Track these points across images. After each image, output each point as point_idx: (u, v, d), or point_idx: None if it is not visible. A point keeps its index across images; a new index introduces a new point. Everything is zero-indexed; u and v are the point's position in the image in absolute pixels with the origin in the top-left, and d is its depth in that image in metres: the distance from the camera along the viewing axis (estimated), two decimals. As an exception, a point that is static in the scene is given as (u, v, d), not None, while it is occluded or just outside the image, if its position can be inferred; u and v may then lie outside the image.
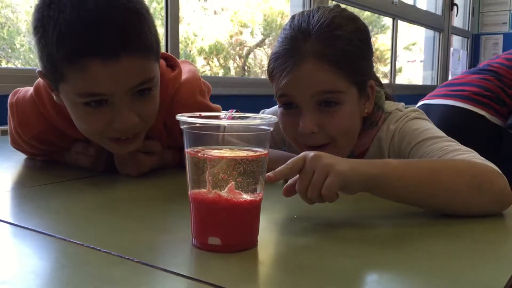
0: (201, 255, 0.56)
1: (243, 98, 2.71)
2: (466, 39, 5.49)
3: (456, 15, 5.14)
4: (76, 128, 0.94)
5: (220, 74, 3.61)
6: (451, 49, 5.14)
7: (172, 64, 1.07)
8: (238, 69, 3.79)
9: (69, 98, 0.88)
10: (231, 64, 3.74)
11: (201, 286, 0.48)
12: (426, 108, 2.13)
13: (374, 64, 0.99)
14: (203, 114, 0.58)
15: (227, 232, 0.56)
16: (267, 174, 0.62)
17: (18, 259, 0.56)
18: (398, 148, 0.95)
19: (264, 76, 3.45)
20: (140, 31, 0.85)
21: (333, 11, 0.92)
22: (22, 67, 2.48)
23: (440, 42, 4.95)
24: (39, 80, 1.00)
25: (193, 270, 0.54)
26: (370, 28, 2.01)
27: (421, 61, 5.19)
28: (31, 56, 2.48)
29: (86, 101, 0.86)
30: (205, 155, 0.55)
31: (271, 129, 0.58)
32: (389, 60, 4.27)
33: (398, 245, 0.62)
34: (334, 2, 3.43)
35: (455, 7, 5.05)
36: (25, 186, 0.93)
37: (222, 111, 1.13)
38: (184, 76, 1.05)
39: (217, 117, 0.61)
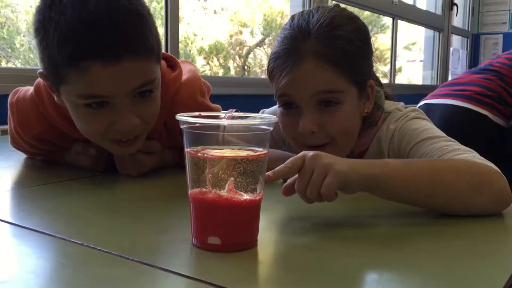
0: (201, 255, 0.56)
1: (243, 98, 2.71)
2: (466, 38, 5.49)
3: (456, 15, 5.14)
4: (77, 129, 0.94)
5: (220, 74, 3.61)
6: (451, 48, 5.14)
7: (173, 64, 1.07)
8: (238, 69, 3.79)
9: (70, 99, 0.88)
10: (231, 63, 3.74)
11: (201, 286, 0.48)
12: (428, 108, 2.13)
13: (374, 64, 1.00)
14: (203, 113, 0.58)
15: (227, 232, 0.56)
16: (266, 173, 0.62)
17: (17, 258, 0.56)
18: (397, 147, 0.95)
19: (264, 76, 3.45)
20: (141, 33, 0.85)
21: (332, 11, 0.92)
22: (22, 66, 2.49)
23: (440, 42, 4.95)
24: (39, 80, 1.00)
25: (193, 269, 0.54)
26: (370, 27, 2.00)
27: (421, 61, 5.19)
28: (31, 55, 2.48)
29: (87, 103, 0.86)
30: (205, 154, 0.55)
31: (271, 128, 0.58)
32: (389, 60, 4.27)
33: (398, 245, 0.62)
34: (333, 2, 3.43)
35: (455, 7, 5.05)
36: (25, 186, 0.93)
37: (222, 111, 1.13)
38: (185, 76, 1.05)
39: (217, 117, 0.61)
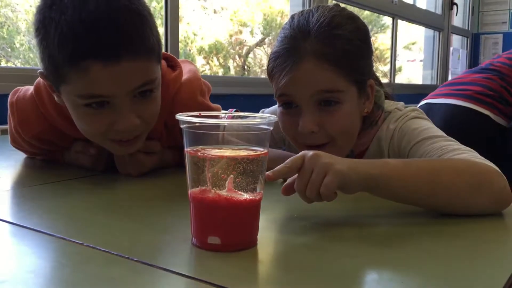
0: (201, 255, 0.56)
1: (243, 98, 2.71)
2: (465, 38, 5.49)
3: (456, 15, 5.14)
4: (77, 128, 0.94)
5: (220, 74, 3.61)
6: (451, 48, 5.14)
7: (173, 64, 1.07)
8: (237, 69, 3.79)
9: (70, 99, 0.88)
10: (230, 63, 3.74)
11: (201, 286, 0.48)
12: (429, 107, 2.13)
13: (374, 64, 0.99)
14: (202, 113, 0.58)
15: (226, 232, 0.56)
16: (266, 173, 0.62)
17: (17, 258, 0.56)
18: (397, 147, 0.95)
19: (263, 76, 3.45)
20: (142, 33, 0.85)
21: (332, 10, 0.92)
22: (22, 66, 2.49)
23: (439, 42, 4.95)
24: (39, 79, 1.00)
25: (193, 269, 0.54)
26: (369, 27, 2.00)
27: (420, 61, 5.19)
28: (31, 55, 2.48)
29: (87, 103, 0.86)
30: (205, 154, 0.55)
31: (271, 128, 0.58)
32: (388, 60, 4.27)
33: (397, 244, 0.62)
34: (333, 1, 3.43)
35: (454, 6, 5.05)
36: (24, 185, 0.93)
37: (222, 111, 1.13)
38: (185, 76, 1.05)
39: (216, 117, 0.61)
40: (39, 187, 0.89)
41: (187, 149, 0.56)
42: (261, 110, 1.20)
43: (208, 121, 0.56)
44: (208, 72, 3.48)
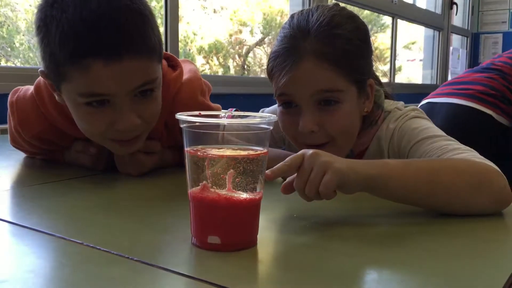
0: (201, 254, 0.56)
1: (243, 97, 2.71)
2: (465, 38, 5.49)
3: (456, 14, 5.14)
4: (77, 128, 0.94)
5: (220, 73, 3.61)
6: (451, 48, 5.13)
7: (174, 64, 1.07)
8: (237, 68, 3.79)
9: (71, 98, 0.88)
10: (230, 63, 3.74)
11: (201, 285, 0.48)
12: (431, 107, 2.12)
13: (374, 63, 0.99)
14: (202, 113, 0.58)
15: (226, 231, 0.56)
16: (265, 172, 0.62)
17: (17, 258, 0.56)
18: (397, 147, 0.95)
19: (263, 75, 3.45)
20: (143, 32, 0.85)
21: (332, 10, 0.92)
22: (22, 65, 2.48)
23: (439, 41, 4.95)
24: (40, 79, 1.00)
25: (193, 269, 0.54)
26: (369, 27, 2.00)
27: (420, 60, 5.19)
28: (31, 55, 2.48)
29: (88, 101, 0.86)
30: (205, 154, 0.55)
31: (271, 128, 0.58)
32: (388, 59, 4.27)
33: (397, 244, 0.62)
34: (333, 1, 3.43)
35: (454, 6, 5.04)
36: (24, 185, 0.93)
37: (222, 110, 1.13)
38: (185, 76, 1.05)
39: (216, 116, 0.61)
40: (39, 187, 0.89)
41: (187, 149, 0.56)
42: (261, 110, 1.20)
43: (208, 121, 0.56)
44: (208, 72, 3.48)
